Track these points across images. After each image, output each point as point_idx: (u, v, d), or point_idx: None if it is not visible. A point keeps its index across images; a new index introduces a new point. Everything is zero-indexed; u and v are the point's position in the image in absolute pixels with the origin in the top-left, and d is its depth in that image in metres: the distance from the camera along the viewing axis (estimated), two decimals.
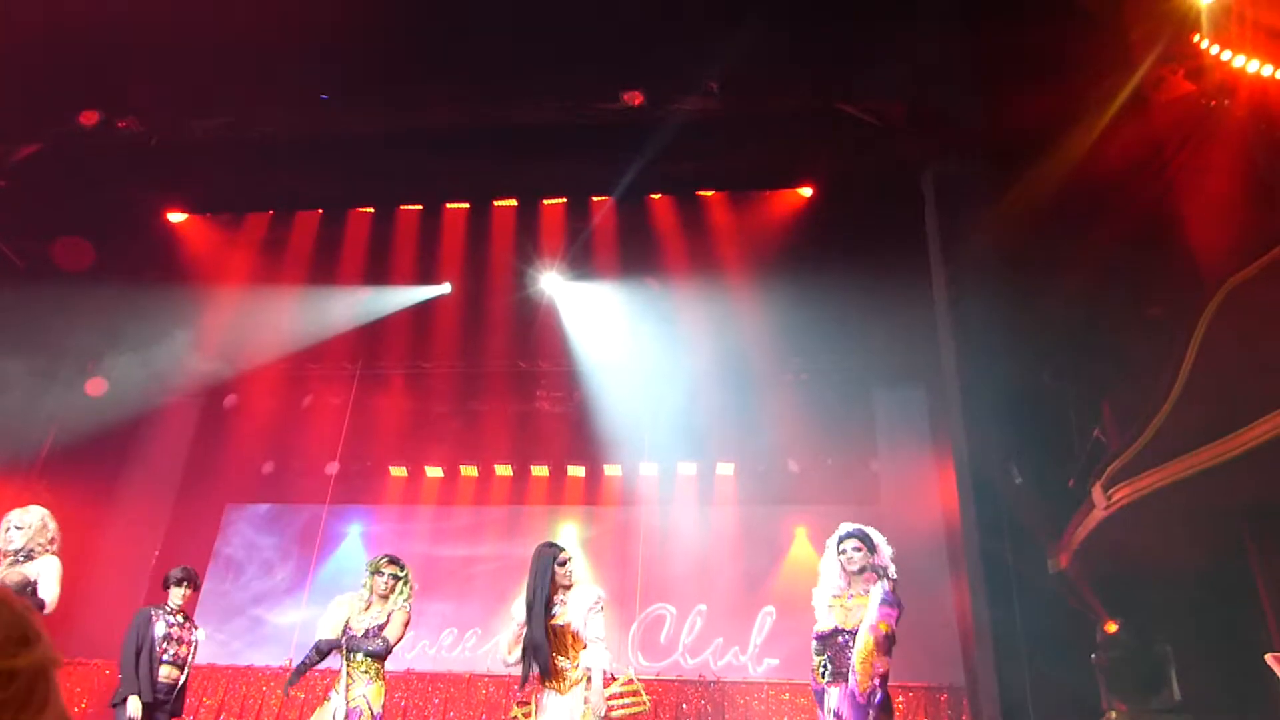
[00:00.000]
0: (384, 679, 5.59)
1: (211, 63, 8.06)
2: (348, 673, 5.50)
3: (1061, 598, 7.31)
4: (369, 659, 5.52)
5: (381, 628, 5.57)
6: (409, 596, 5.78)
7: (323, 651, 5.59)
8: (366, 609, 5.68)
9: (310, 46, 7.82)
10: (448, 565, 11.17)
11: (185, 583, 6.13)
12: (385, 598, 5.68)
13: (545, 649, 4.96)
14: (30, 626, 0.65)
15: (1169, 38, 6.66)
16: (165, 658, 5.86)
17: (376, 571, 5.74)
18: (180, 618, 6.04)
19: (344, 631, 5.58)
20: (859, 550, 4.96)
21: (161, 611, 5.99)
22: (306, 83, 8.57)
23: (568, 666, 4.99)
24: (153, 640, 5.86)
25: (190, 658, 6.00)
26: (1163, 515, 6.09)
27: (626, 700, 4.91)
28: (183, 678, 5.92)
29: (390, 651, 5.62)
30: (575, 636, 4.97)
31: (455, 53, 8.14)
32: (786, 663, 9.80)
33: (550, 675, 4.99)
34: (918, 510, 9.38)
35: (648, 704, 4.97)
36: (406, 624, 5.74)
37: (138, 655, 5.79)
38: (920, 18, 7.02)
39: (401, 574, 5.80)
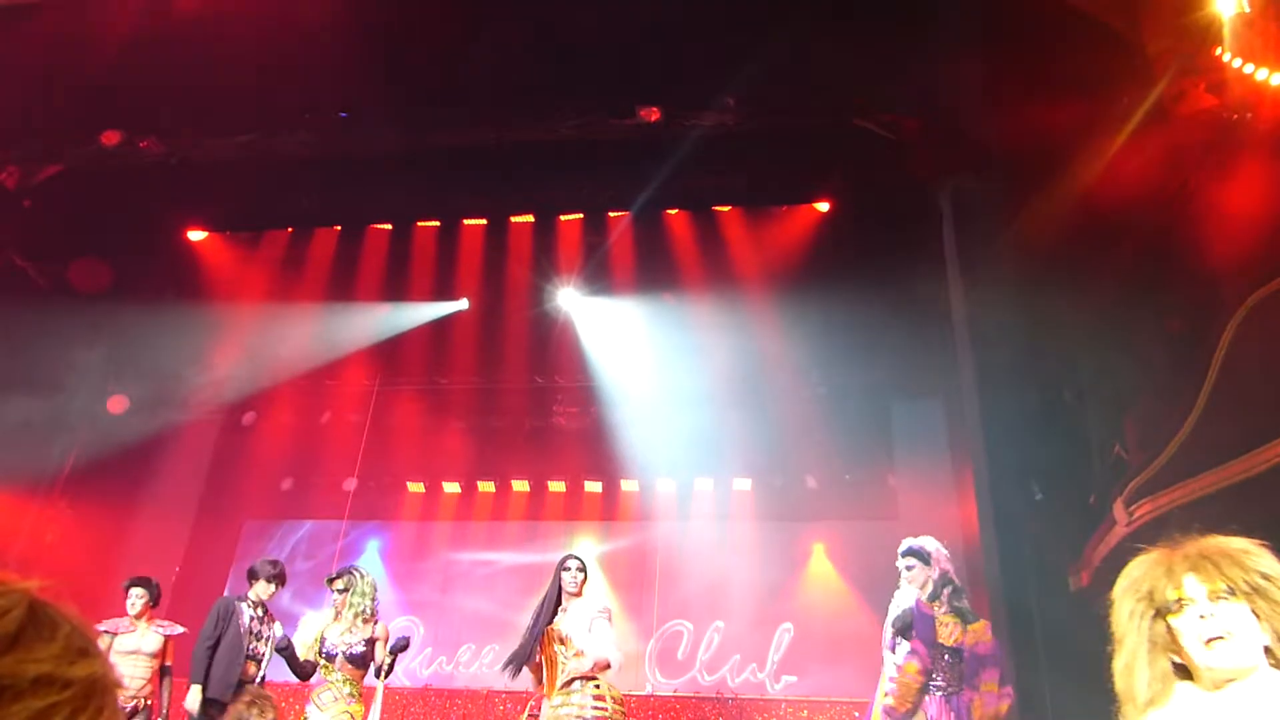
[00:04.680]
0: (361, 700, 5.53)
1: (231, 82, 8.14)
2: (329, 689, 5.45)
3: (1082, 615, 7.22)
4: (349, 676, 5.48)
5: (371, 641, 5.53)
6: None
7: (308, 673, 5.56)
8: (337, 619, 5.62)
9: (329, 65, 7.89)
10: (465, 580, 11.17)
11: (276, 580, 5.95)
12: (368, 621, 5.64)
13: (523, 653, 5.18)
14: (91, 641, 0.68)
15: (1190, 51, 6.61)
16: (248, 652, 5.65)
17: (361, 593, 5.69)
18: (261, 611, 5.86)
19: (320, 647, 5.52)
20: (911, 569, 5.12)
21: (245, 604, 5.82)
22: (325, 101, 8.65)
23: (557, 673, 5.13)
24: (239, 632, 5.64)
25: (268, 655, 5.77)
26: (1186, 532, 6.01)
27: (606, 706, 5.01)
28: (260, 674, 5.70)
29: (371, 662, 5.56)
30: (565, 642, 5.11)
31: (472, 70, 8.19)
32: (805, 680, 9.74)
33: (537, 680, 5.20)
34: (936, 526, 9.21)
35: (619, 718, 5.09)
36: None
37: (215, 646, 5.56)
38: (937, 33, 7.00)
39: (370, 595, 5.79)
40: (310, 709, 5.40)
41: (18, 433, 8.94)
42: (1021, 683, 6.65)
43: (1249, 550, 1.61)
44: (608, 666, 5.08)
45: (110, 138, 8.73)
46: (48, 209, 9.40)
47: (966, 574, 8.97)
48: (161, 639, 6.01)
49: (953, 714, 4.99)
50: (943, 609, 5.19)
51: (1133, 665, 1.63)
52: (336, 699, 5.39)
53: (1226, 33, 6.36)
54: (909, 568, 5.24)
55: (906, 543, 5.33)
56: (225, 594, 11.16)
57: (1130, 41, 6.90)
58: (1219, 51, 6.42)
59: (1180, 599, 1.59)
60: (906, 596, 5.25)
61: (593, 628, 5.14)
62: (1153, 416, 6.69)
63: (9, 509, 9.55)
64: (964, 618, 5.20)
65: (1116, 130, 7.01)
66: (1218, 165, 6.67)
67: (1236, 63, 6.33)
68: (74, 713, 0.63)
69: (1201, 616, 1.56)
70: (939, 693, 5.03)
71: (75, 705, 0.63)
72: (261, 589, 5.91)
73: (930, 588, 5.20)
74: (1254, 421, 5.39)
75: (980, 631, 5.16)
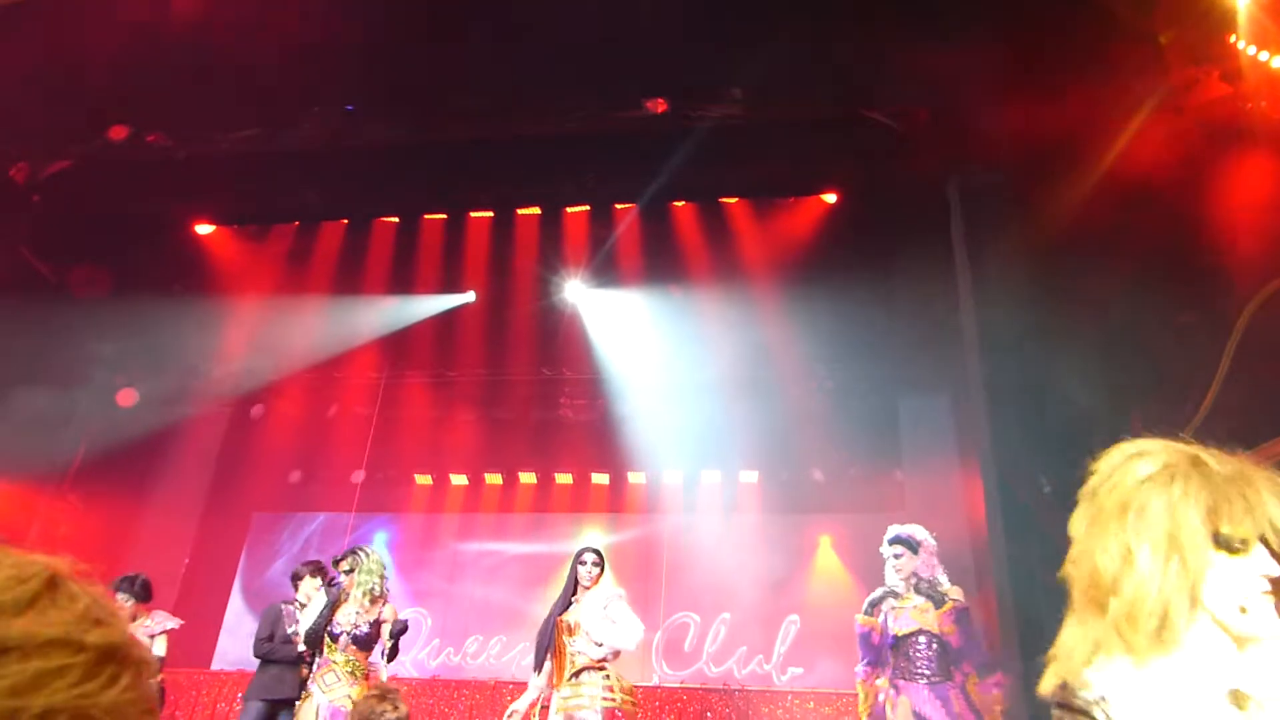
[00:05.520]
0: (365, 681, 5.53)
1: (237, 76, 8.14)
2: (331, 670, 5.45)
3: None
4: (353, 658, 5.48)
5: (377, 623, 5.54)
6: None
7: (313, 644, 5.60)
8: (348, 600, 5.62)
9: (335, 59, 7.87)
10: (472, 571, 11.21)
11: (316, 574, 6.04)
12: (377, 600, 5.64)
13: (544, 643, 5.28)
14: (112, 614, 0.69)
15: (1203, 39, 6.53)
16: (297, 652, 5.83)
17: (368, 571, 5.67)
18: None
19: (329, 626, 5.53)
20: (899, 557, 5.15)
21: (293, 608, 5.98)
22: (331, 94, 8.63)
23: (566, 663, 5.16)
24: (285, 634, 5.86)
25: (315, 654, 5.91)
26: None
27: (615, 695, 5.04)
28: (309, 674, 5.77)
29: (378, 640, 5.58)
30: (574, 631, 5.15)
31: (479, 63, 8.16)
32: (811, 672, 9.74)
33: (551, 671, 5.26)
34: (943, 520, 9.20)
35: (630, 706, 5.10)
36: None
37: (270, 640, 5.80)
38: (945, 23, 6.93)
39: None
40: (313, 688, 5.40)
41: (29, 426, 8.99)
42: (1026, 676, 6.63)
43: None
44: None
45: (118, 133, 8.72)
46: (56, 204, 9.42)
47: (974, 568, 8.96)
48: (145, 640, 5.99)
49: (939, 701, 4.97)
50: (916, 595, 5.20)
51: (1170, 593, 1.21)
52: (339, 680, 5.37)
53: (1241, 19, 6.28)
54: (897, 556, 5.27)
55: (894, 530, 5.34)
56: (233, 584, 11.30)
57: (1142, 30, 6.81)
58: (1233, 38, 6.34)
59: (1245, 539, 1.19)
60: (895, 597, 5.27)
61: (609, 606, 5.21)
62: (1162, 409, 6.63)
63: (21, 502, 9.62)
64: (936, 602, 5.18)
65: (1128, 120, 6.93)
66: (1231, 154, 6.60)
67: (1251, 50, 6.26)
68: (85, 677, 0.63)
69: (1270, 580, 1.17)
70: (923, 680, 5.02)
71: (87, 670, 0.63)
72: (308, 586, 6.01)
73: (912, 581, 5.21)
74: (1266, 414, 5.34)
75: (942, 619, 5.15)
